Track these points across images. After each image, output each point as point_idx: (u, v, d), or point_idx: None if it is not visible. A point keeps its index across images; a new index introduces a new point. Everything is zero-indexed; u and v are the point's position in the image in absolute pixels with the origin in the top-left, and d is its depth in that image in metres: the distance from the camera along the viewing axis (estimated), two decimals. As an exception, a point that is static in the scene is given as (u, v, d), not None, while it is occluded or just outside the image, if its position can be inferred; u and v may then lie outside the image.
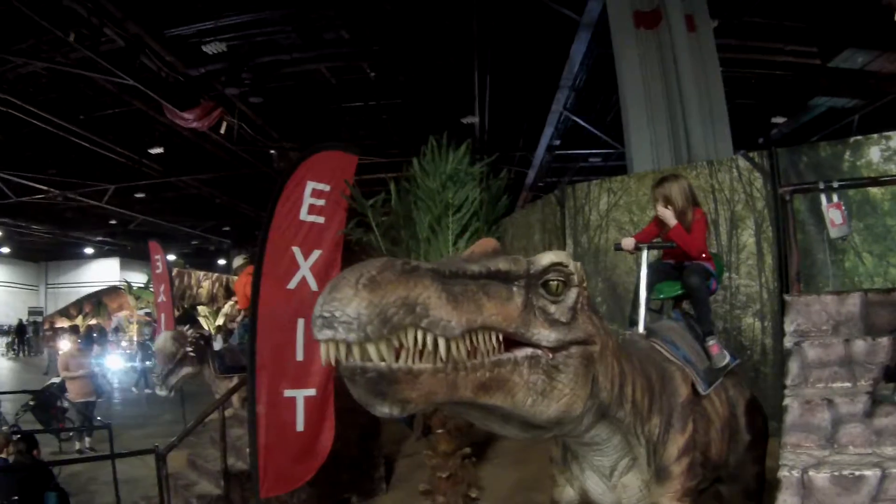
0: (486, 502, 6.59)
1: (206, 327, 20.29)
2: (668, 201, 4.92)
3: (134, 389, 20.66)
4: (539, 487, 7.14)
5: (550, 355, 2.69)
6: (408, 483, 8.05)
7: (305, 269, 6.62)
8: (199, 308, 23.21)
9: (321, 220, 6.77)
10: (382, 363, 2.19)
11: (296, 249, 6.61)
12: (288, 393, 6.56)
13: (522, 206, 17.29)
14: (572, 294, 2.83)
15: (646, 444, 3.58)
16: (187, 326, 11.47)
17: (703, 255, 4.96)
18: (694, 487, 3.81)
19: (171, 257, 29.77)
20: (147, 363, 20.92)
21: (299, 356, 6.60)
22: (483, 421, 2.83)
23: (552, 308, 2.75)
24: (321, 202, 6.78)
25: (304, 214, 6.72)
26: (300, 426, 6.62)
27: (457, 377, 2.36)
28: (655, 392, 3.66)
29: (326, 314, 2.15)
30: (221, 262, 37.41)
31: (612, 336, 3.26)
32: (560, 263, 2.78)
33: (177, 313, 16.90)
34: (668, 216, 4.80)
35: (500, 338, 2.52)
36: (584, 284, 2.96)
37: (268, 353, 6.47)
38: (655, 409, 3.62)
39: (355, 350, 2.16)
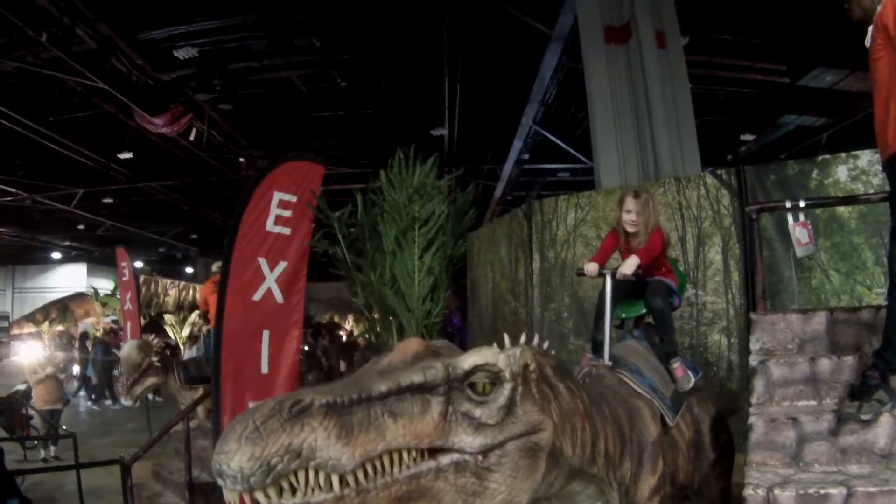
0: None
1: (172, 336, 20.09)
2: (637, 217, 4.91)
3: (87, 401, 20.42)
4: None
5: (480, 458, 2.61)
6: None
7: (271, 280, 6.55)
8: (166, 317, 22.97)
9: (287, 231, 6.70)
10: None
11: (261, 260, 6.54)
12: (252, 405, 6.44)
13: (490, 220, 17.30)
14: (504, 392, 2.71)
15: (618, 488, 3.53)
16: (153, 336, 11.30)
17: (664, 270, 4.97)
18: None
19: (139, 264, 29.40)
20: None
21: (264, 369, 6.54)
22: None
23: (477, 412, 2.65)
24: (287, 213, 6.70)
25: (270, 225, 6.64)
26: (264, 440, 6.53)
27: (366, 499, 2.37)
28: (626, 436, 3.63)
29: (217, 466, 2.25)
30: (188, 269, 37.16)
31: (580, 397, 3.21)
32: (485, 365, 2.68)
33: (143, 322, 16.74)
34: (631, 263, 4.70)
35: (414, 456, 2.49)
36: (531, 367, 2.86)
37: (232, 365, 6.38)
38: (626, 453, 3.59)
39: (246, 498, 2.26)
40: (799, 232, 5.87)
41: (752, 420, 4.12)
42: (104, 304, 28.18)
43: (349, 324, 26.33)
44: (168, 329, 21.06)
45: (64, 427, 12.88)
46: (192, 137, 16.90)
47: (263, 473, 2.20)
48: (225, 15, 12.69)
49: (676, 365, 4.69)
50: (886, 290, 4.16)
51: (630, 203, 4.91)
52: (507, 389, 2.72)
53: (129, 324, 13.49)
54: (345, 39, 13.67)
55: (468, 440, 2.59)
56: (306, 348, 15.05)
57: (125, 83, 13.92)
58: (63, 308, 35.72)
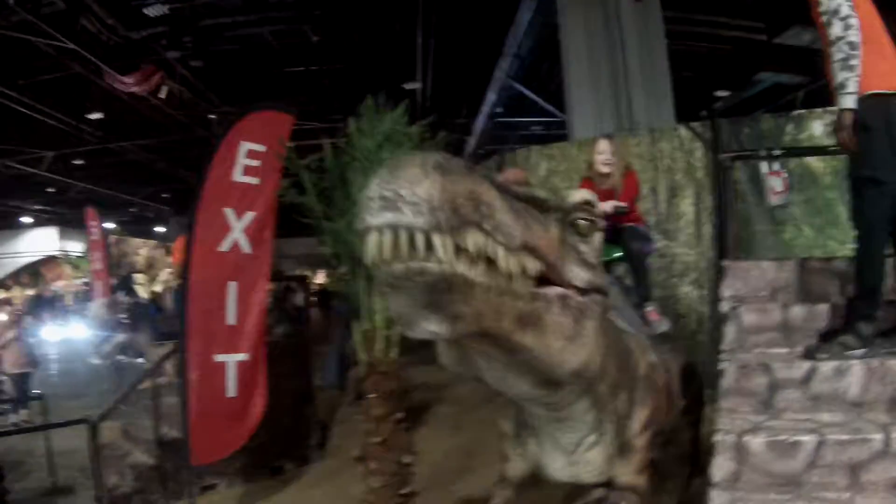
0: (421, 467, 6.53)
1: (143, 295, 19.93)
2: (611, 156, 4.93)
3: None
4: (474, 453, 7.10)
5: (578, 298, 2.57)
6: (342, 450, 7.96)
7: (238, 230, 6.48)
8: (136, 276, 22.77)
9: (255, 180, 6.63)
10: (445, 265, 1.95)
11: (228, 211, 6.47)
12: (219, 358, 6.48)
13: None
14: (598, 237, 2.75)
15: (613, 420, 3.49)
16: (123, 293, 11.20)
17: (636, 216, 4.98)
18: (652, 458, 3.77)
19: (111, 225, 29.17)
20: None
21: (230, 320, 6.51)
22: (503, 372, 2.67)
23: (583, 247, 2.66)
24: (256, 163, 6.64)
25: (237, 176, 6.59)
26: (231, 392, 6.55)
27: (502, 302, 2.19)
28: (621, 367, 3.55)
29: (388, 193, 1.89)
30: (160, 229, 36.84)
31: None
32: (590, 202, 2.69)
33: (114, 281, 16.61)
34: (610, 202, 4.71)
35: (537, 270, 2.35)
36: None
37: (199, 318, 6.37)
38: (622, 384, 3.54)
39: (419, 240, 1.90)
40: (773, 180, 5.86)
41: (722, 366, 4.02)
42: (76, 267, 27.98)
43: (320, 278, 26.21)
44: (138, 288, 20.87)
45: (36, 392, 12.76)
46: (162, 96, 16.62)
47: (451, 212, 1.90)
48: (196, -30, 12.46)
49: (651, 308, 4.72)
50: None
51: (602, 145, 4.99)
52: (599, 236, 2.78)
53: (98, 283, 13.39)
54: (317, -6, 13.44)
55: (577, 271, 2.59)
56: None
57: (95, 43, 13.68)
58: (34, 272, 35.42)
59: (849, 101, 3.77)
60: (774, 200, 5.86)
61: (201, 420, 6.34)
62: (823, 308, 4.33)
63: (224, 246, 6.45)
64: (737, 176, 7.38)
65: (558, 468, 3.61)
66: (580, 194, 2.67)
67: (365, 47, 15.81)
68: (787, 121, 7.93)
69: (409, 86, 16.61)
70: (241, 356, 6.56)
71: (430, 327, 2.06)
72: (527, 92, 15.89)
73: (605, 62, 9.99)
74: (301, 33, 15.14)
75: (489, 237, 2.03)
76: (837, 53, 3.79)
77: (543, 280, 2.43)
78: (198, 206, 6.46)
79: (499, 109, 17.74)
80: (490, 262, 2.10)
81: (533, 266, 2.30)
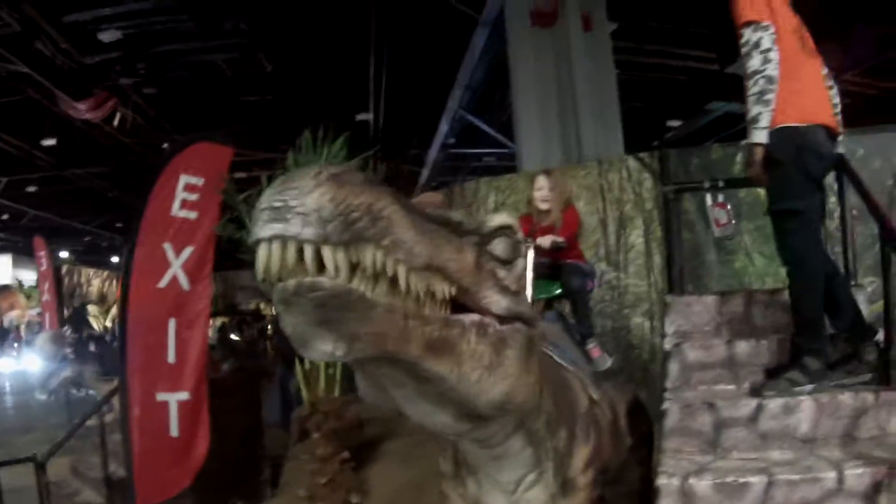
0: (374, 503, 6.43)
1: (96, 327, 19.65)
2: (549, 193, 4.89)
3: None
4: (425, 488, 6.97)
5: (498, 326, 2.42)
6: (295, 486, 7.85)
7: (177, 266, 6.38)
8: (90, 307, 22.46)
9: (193, 215, 6.53)
10: (338, 281, 1.82)
11: (167, 246, 6.38)
12: (161, 397, 6.36)
13: (414, 206, 17.19)
14: (521, 262, 2.59)
15: (553, 458, 3.31)
16: (66, 327, 10.99)
17: (577, 253, 4.94)
18: (598, 498, 3.62)
19: (64, 254, 28.84)
20: None
21: (171, 358, 6.38)
22: (417, 401, 2.51)
23: (502, 273, 2.48)
24: (194, 196, 6.55)
25: (175, 210, 6.50)
26: (174, 431, 6.42)
27: (408, 326, 2.04)
28: (560, 402, 3.41)
29: (277, 203, 1.76)
30: (115, 259, 36.44)
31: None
32: (511, 227, 2.53)
33: (67, 312, 16.36)
34: (548, 237, 4.67)
35: (449, 294, 2.21)
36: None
37: (139, 356, 6.26)
38: (562, 420, 3.37)
39: (308, 252, 1.78)
40: (717, 212, 5.84)
41: (666, 405, 3.93)
42: (29, 296, 27.56)
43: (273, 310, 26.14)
44: (92, 319, 20.59)
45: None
46: (115, 123, 16.55)
47: (343, 225, 1.77)
48: (151, -4, 12.37)
49: (592, 346, 4.66)
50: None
51: (541, 181, 4.96)
52: (522, 262, 2.61)
53: (47, 314, 13.17)
54: (272, 23, 13.45)
55: (497, 297, 2.42)
56: (234, 337, 14.86)
57: (49, 67, 13.62)
58: (-14, 301, 34.86)
59: (760, 136, 3.77)
60: (719, 232, 5.84)
61: (145, 460, 6.23)
62: (770, 343, 4.26)
63: (163, 282, 6.34)
64: (686, 206, 7.38)
65: None
66: (499, 218, 2.52)
67: (318, 77, 15.76)
68: (736, 150, 7.87)
69: (361, 116, 16.58)
70: (183, 395, 6.43)
71: (326, 347, 1.92)
72: (479, 123, 15.88)
73: (553, 93, 9.96)
74: (255, 62, 15.08)
75: (388, 254, 1.92)
76: (754, 87, 3.78)
77: (460, 306, 2.33)
78: (136, 241, 6.38)
79: (451, 140, 17.72)
80: (395, 282, 2.00)
81: (442, 289, 2.18)
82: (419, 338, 2.12)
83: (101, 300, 25.83)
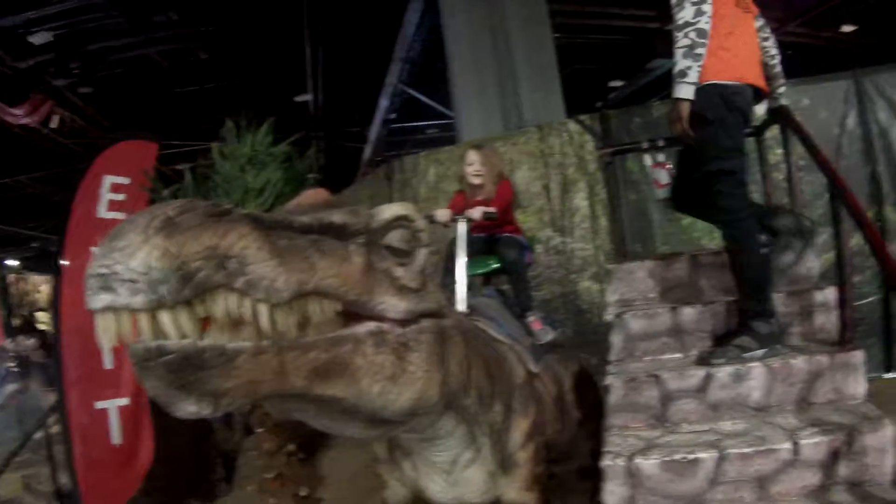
0: (329, 490, 6.30)
1: (46, 335, 19.27)
2: (480, 167, 4.78)
3: None
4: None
5: (399, 330, 2.25)
6: (252, 480, 7.73)
7: (107, 271, 6.14)
8: (39, 315, 22.01)
9: (121, 216, 6.28)
10: (185, 341, 1.65)
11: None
12: (100, 405, 6.19)
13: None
14: (421, 255, 2.40)
15: (489, 434, 3.23)
16: (9, 339, 10.71)
17: (513, 227, 4.83)
18: (541, 473, 3.56)
19: (14, 262, 28.26)
20: None
21: (107, 364, 6.19)
22: (320, 420, 2.35)
23: (399, 271, 2.30)
24: (121, 197, 6.42)
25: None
26: (117, 439, 6.26)
27: (285, 360, 1.85)
28: (494, 376, 3.30)
29: (103, 270, 1.60)
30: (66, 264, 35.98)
31: (454, 311, 2.92)
32: (406, 217, 2.35)
33: (16, 322, 15.99)
34: (479, 208, 4.52)
35: (338, 310, 2.05)
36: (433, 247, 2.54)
37: (74, 364, 6.08)
38: (496, 395, 3.27)
39: (144, 321, 1.60)
40: (658, 173, 5.70)
41: (609, 380, 3.73)
42: (-24, 309, 27.05)
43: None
44: (41, 326, 20.19)
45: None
46: (54, 125, 16.19)
47: (181, 282, 1.59)
48: (79, -5, 12.08)
49: (533, 318, 4.52)
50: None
51: (471, 156, 4.84)
52: (423, 253, 2.42)
53: (-7, 327, 12.94)
54: (203, 11, 13.21)
55: (392, 301, 2.24)
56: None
57: (-17, 75, 13.24)
58: (-66, 315, 34.28)
59: (687, 91, 3.56)
60: (660, 193, 5.72)
61: (90, 471, 6.06)
62: (717, 308, 4.07)
63: (94, 288, 6.11)
64: (631, 167, 7.28)
65: (439, 490, 3.34)
66: (392, 209, 2.32)
67: (255, 62, 15.55)
68: (678, 107, 7.82)
69: (300, 98, 16.43)
70: (123, 401, 6.25)
71: (190, 409, 1.73)
72: (419, 96, 15.77)
73: (490, 60, 9.79)
74: (190, 52, 14.84)
75: (245, 295, 1.73)
76: (684, 39, 3.55)
77: (352, 316, 2.15)
78: (63, 248, 6.23)
79: (392, 115, 17.55)
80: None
81: (321, 311, 1.99)
82: (302, 368, 1.94)
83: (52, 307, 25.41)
